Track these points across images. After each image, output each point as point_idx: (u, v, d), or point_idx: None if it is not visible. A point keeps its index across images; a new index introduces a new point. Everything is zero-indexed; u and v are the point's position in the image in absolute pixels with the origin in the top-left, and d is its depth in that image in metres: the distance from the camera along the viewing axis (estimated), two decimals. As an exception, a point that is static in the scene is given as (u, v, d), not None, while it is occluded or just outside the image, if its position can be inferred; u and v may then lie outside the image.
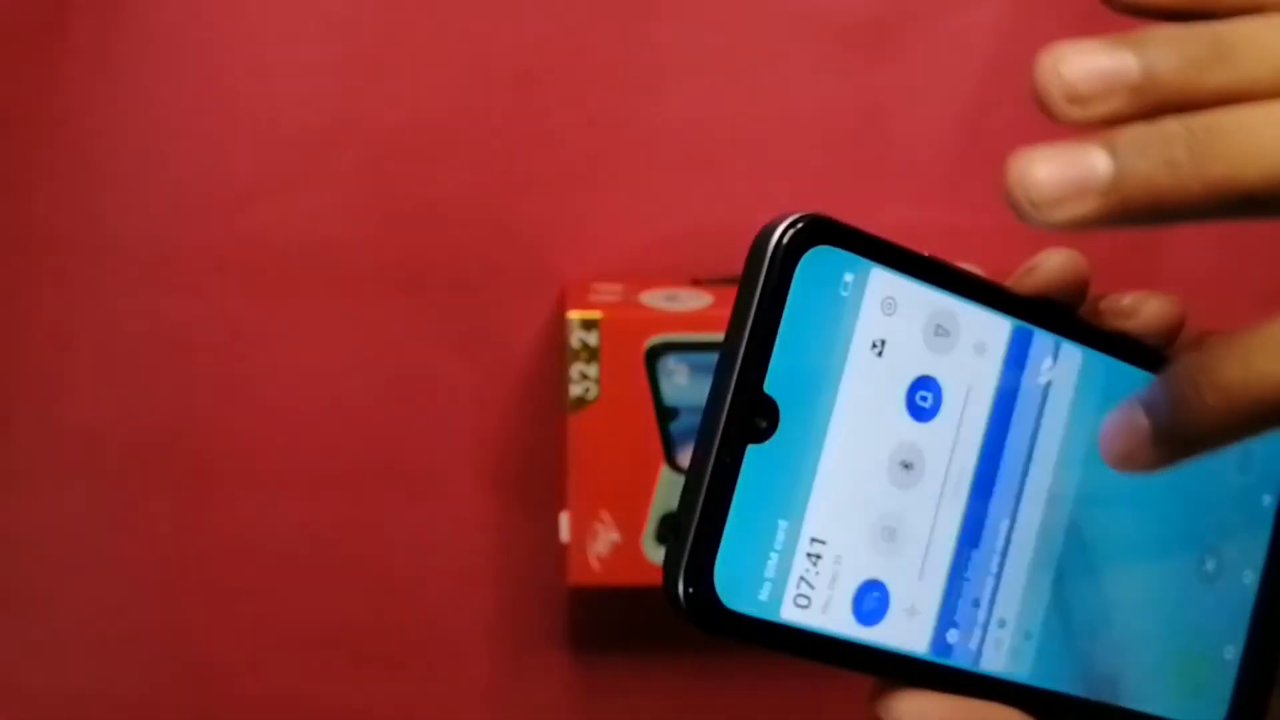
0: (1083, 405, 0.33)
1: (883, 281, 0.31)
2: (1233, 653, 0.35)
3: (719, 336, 0.62)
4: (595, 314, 0.63)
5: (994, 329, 0.32)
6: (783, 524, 0.30)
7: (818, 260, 0.30)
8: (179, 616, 0.71)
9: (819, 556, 0.30)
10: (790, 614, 0.30)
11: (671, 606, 0.30)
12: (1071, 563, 0.33)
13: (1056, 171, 0.26)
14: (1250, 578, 0.35)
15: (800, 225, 0.30)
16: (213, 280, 0.68)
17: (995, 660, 0.32)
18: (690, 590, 0.29)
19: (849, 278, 0.31)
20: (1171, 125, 0.26)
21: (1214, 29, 0.27)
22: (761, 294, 0.30)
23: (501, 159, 0.67)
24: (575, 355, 0.63)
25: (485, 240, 0.68)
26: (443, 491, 0.70)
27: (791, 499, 0.30)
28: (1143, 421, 0.27)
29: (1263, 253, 0.67)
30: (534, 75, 0.66)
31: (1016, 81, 0.66)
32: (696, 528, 0.29)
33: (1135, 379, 0.33)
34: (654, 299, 0.65)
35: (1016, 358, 0.32)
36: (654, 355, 0.63)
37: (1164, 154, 0.26)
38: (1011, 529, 0.32)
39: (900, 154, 0.67)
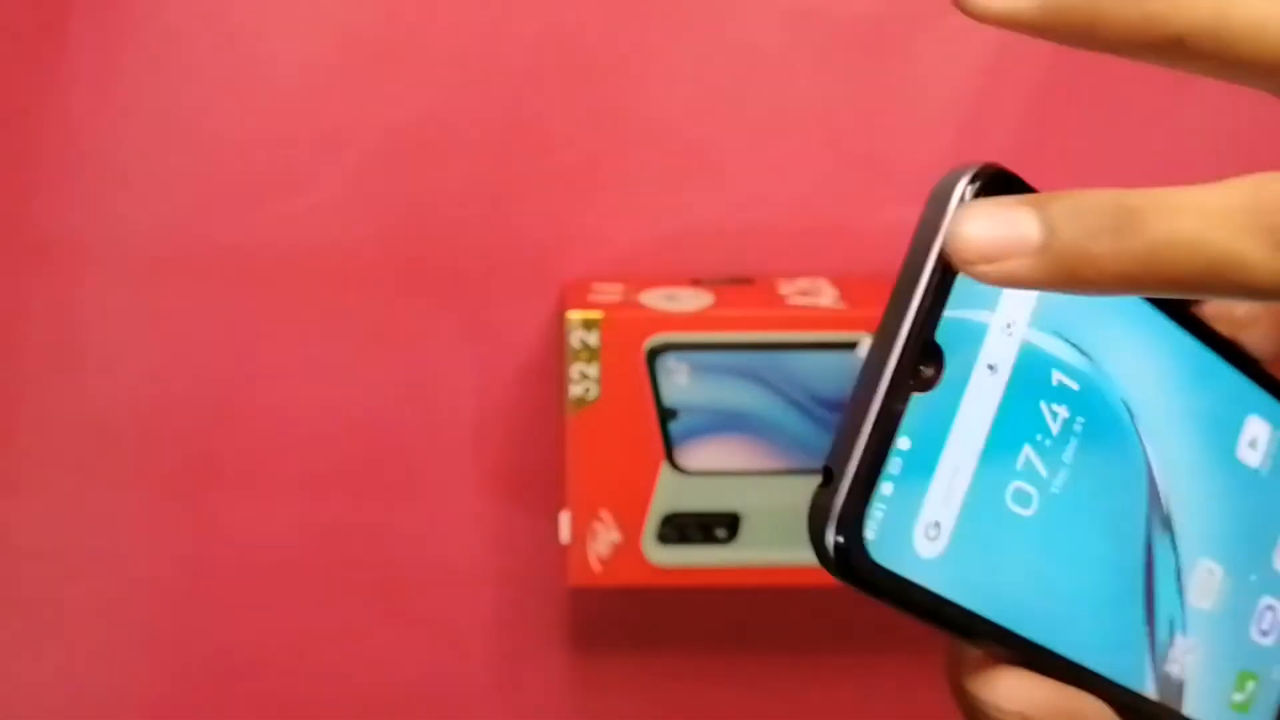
0: (1180, 397, 0.33)
1: None
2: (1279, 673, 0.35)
3: (719, 336, 0.63)
4: (595, 314, 0.63)
5: (1128, 306, 0.32)
6: (929, 482, 0.29)
7: None
8: (179, 616, 0.71)
9: (957, 521, 0.30)
10: (926, 576, 0.30)
11: (817, 555, 0.29)
12: (1164, 564, 0.33)
13: (989, 234, 0.27)
14: None
15: (985, 176, 0.30)
16: (213, 280, 0.68)
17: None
18: (840, 540, 0.28)
19: None
20: (1102, 199, 0.27)
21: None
22: (941, 243, 0.29)
23: (502, 159, 0.67)
24: (575, 355, 0.63)
25: (485, 240, 0.68)
26: (443, 491, 0.70)
27: (939, 457, 0.29)
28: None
29: None
30: (534, 75, 0.66)
31: (1016, 81, 0.67)
32: (853, 475, 0.28)
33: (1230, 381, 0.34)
34: (654, 299, 0.65)
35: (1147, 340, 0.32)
36: (654, 355, 0.63)
37: (1090, 226, 0.26)
38: None
39: (900, 154, 0.67)
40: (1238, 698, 0.35)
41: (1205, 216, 0.26)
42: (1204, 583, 0.34)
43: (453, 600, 0.71)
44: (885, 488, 0.29)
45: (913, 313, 0.29)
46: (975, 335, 0.30)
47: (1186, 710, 0.34)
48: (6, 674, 0.71)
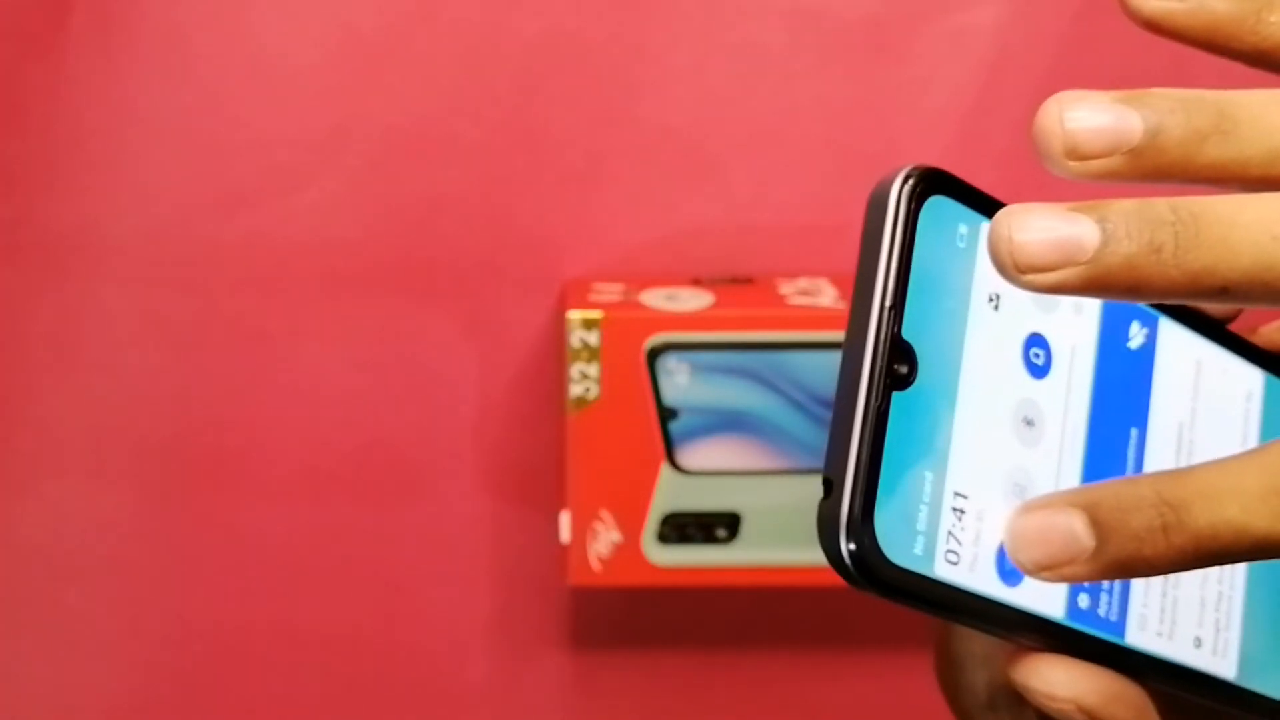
0: (1177, 375, 0.33)
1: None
2: None
3: (719, 336, 0.63)
4: (596, 313, 0.63)
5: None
6: (929, 475, 0.29)
7: (935, 210, 0.30)
8: (179, 616, 0.71)
9: (963, 511, 0.30)
10: (943, 570, 0.29)
11: (835, 568, 0.29)
12: None
13: (1044, 238, 0.26)
14: None
15: (919, 175, 0.30)
16: (213, 280, 0.68)
17: (1126, 629, 0.32)
18: (853, 546, 0.28)
19: (963, 229, 0.30)
20: (1161, 208, 0.26)
21: (1219, 100, 0.27)
22: (891, 240, 0.29)
23: (502, 159, 0.67)
24: (575, 355, 0.63)
25: (486, 240, 0.68)
26: (443, 491, 0.70)
27: (934, 450, 0.29)
28: (1086, 539, 0.27)
29: None
30: (534, 75, 0.66)
31: (1016, 81, 0.67)
32: (853, 480, 0.28)
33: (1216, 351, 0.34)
34: (654, 298, 0.65)
35: (1110, 320, 0.32)
36: (654, 355, 0.63)
37: (1150, 237, 0.26)
38: None
39: (900, 154, 0.67)
40: None
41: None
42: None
43: (453, 600, 0.71)
44: (889, 488, 0.29)
45: (875, 314, 0.29)
46: (950, 321, 0.30)
47: (1243, 681, 0.34)
48: (6, 674, 0.71)
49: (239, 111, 0.66)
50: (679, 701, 0.72)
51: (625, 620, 0.71)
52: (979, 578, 0.30)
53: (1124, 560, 0.27)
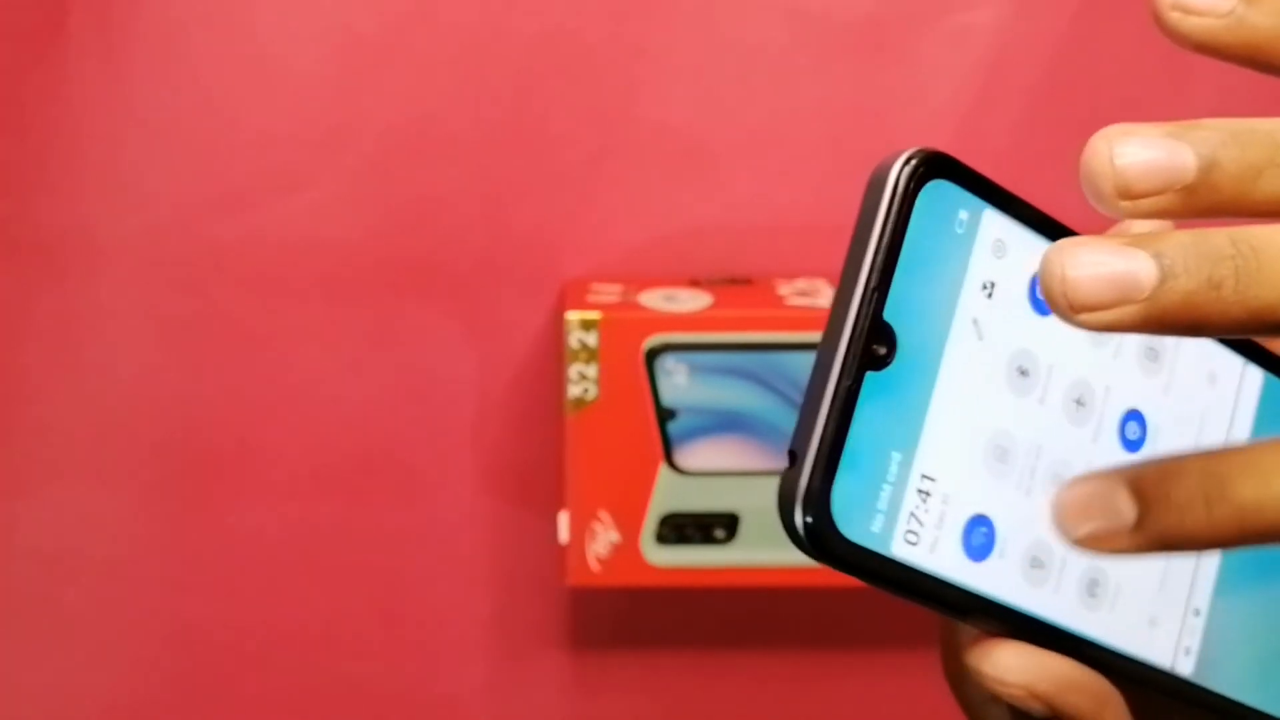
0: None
1: (994, 223, 0.31)
2: None
3: (718, 337, 0.63)
4: (594, 314, 0.63)
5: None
6: (896, 456, 0.30)
7: (935, 194, 0.30)
8: (179, 616, 0.71)
9: (928, 494, 0.30)
10: (901, 550, 0.30)
11: (790, 537, 0.29)
12: None
13: (1099, 274, 0.25)
14: None
15: (921, 158, 0.30)
16: (212, 280, 0.68)
17: (1093, 623, 0.32)
18: (809, 519, 0.29)
19: (964, 215, 0.30)
20: (1219, 241, 0.26)
21: (1273, 131, 0.26)
22: (884, 221, 0.30)
23: (501, 159, 0.67)
24: (574, 355, 0.63)
25: (485, 240, 0.68)
26: (443, 491, 0.70)
27: (905, 431, 0.30)
28: (1128, 511, 0.27)
29: None
30: (533, 75, 0.66)
31: (1016, 81, 0.67)
32: (815, 454, 0.29)
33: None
34: (653, 299, 0.65)
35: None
36: (653, 355, 0.63)
37: (1210, 273, 0.25)
38: None
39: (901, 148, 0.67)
40: (1267, 670, 0.35)
41: None
42: (1233, 553, 0.34)
43: (453, 600, 0.71)
44: (851, 464, 0.29)
45: (859, 294, 0.29)
46: (936, 306, 0.30)
47: (1209, 684, 0.34)
48: (6, 674, 0.71)
49: (238, 112, 0.66)
50: (678, 701, 0.72)
51: (624, 620, 0.71)
52: (940, 560, 0.30)
53: (1165, 533, 0.26)
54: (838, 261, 0.30)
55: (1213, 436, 0.34)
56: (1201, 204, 0.26)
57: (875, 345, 0.29)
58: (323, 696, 0.72)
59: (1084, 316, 0.25)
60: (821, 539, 0.29)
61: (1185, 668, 0.34)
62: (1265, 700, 0.35)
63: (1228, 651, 0.34)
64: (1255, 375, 0.34)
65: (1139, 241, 0.25)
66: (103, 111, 0.66)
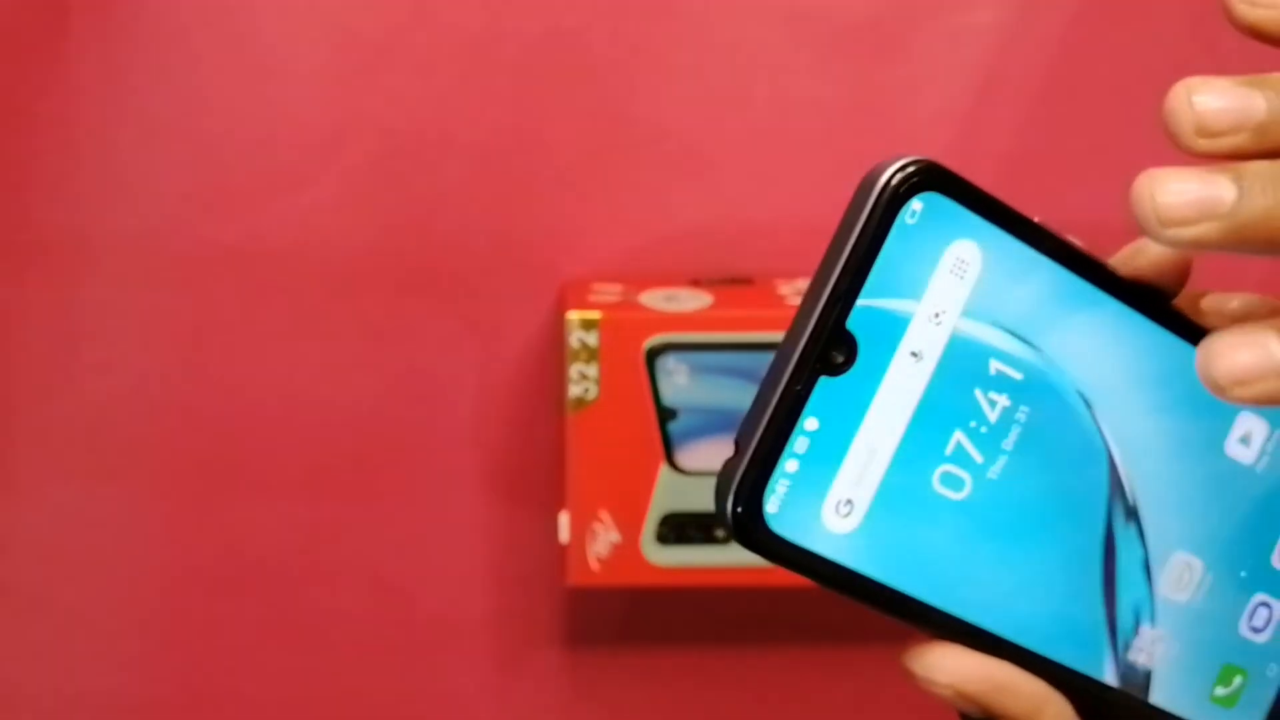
0: (1157, 392, 0.33)
1: (970, 246, 0.31)
2: (1275, 671, 0.35)
3: (718, 337, 0.63)
4: (595, 314, 0.63)
5: (1092, 303, 0.32)
6: (839, 460, 0.30)
7: (925, 206, 0.30)
8: (179, 616, 0.71)
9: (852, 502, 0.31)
10: (826, 546, 0.31)
11: (719, 520, 0.31)
12: (1128, 553, 0.33)
13: (1186, 193, 0.28)
14: None
15: (912, 169, 0.30)
16: (213, 280, 0.68)
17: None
18: (739, 509, 0.30)
19: (949, 231, 0.31)
20: None
21: None
22: (860, 231, 0.30)
23: (501, 159, 0.67)
24: (575, 355, 0.63)
25: (485, 241, 0.68)
26: (442, 491, 0.70)
27: (849, 436, 0.30)
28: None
29: None
30: (533, 76, 0.66)
31: (1016, 81, 0.67)
32: (755, 449, 0.30)
33: None
34: (653, 299, 0.65)
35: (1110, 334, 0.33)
36: (653, 355, 0.63)
37: None
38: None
39: (900, 153, 0.67)
40: (1220, 691, 0.35)
41: None
42: (1179, 575, 0.34)
43: (452, 600, 0.71)
44: (790, 464, 0.30)
45: (824, 300, 0.30)
46: (895, 324, 0.30)
47: (1155, 699, 0.34)
48: (6, 674, 0.71)
49: (239, 113, 0.67)
50: (677, 701, 0.72)
51: (624, 620, 0.71)
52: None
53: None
54: (825, 249, 0.30)
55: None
56: (1272, 142, 0.28)
57: (833, 351, 0.30)
58: (322, 696, 0.72)
59: (1171, 232, 0.28)
60: (748, 529, 0.30)
61: (1131, 681, 0.34)
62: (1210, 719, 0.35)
63: (1180, 668, 0.34)
64: None
65: (1220, 169, 0.28)
66: (102, 111, 0.66)
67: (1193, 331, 0.33)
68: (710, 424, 0.64)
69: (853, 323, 0.30)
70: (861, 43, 0.67)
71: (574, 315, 0.63)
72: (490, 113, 0.67)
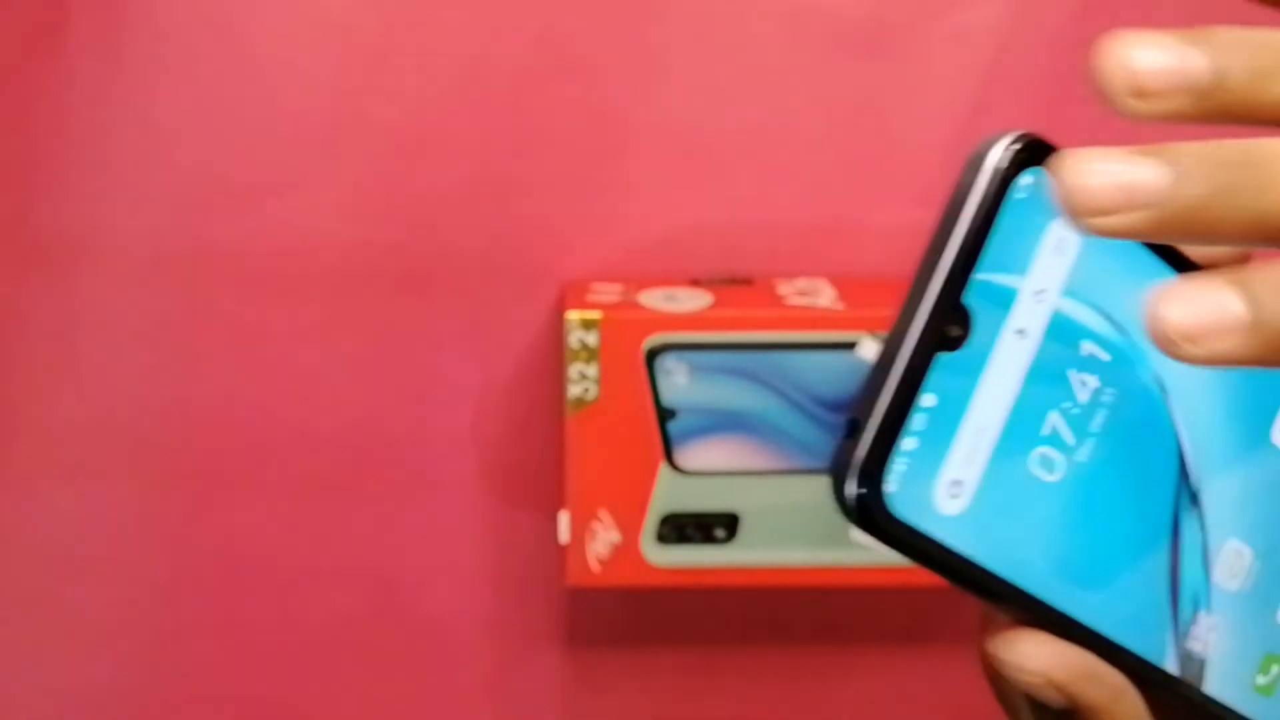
0: (1214, 378, 0.33)
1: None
2: None
3: (718, 337, 0.63)
4: (594, 314, 0.63)
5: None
6: (957, 436, 0.30)
7: (1032, 181, 0.30)
8: (179, 616, 0.71)
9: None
10: (945, 532, 0.30)
11: (838, 506, 0.30)
12: (1190, 540, 0.34)
13: (1109, 175, 0.25)
14: None
15: (1023, 144, 0.30)
16: (212, 280, 0.68)
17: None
18: (862, 491, 0.29)
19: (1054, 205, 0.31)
20: (1233, 149, 0.26)
21: None
22: (978, 205, 0.30)
23: (501, 159, 0.67)
24: (574, 355, 0.63)
25: (485, 240, 0.68)
26: (442, 492, 0.70)
27: (960, 414, 0.30)
28: (1238, 307, 0.25)
29: None
30: (534, 75, 0.66)
31: (1016, 81, 0.67)
32: (877, 429, 0.29)
33: None
34: (653, 299, 0.65)
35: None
36: (653, 355, 0.63)
37: (1225, 179, 0.25)
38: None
39: (899, 154, 0.67)
40: (1261, 680, 0.35)
41: None
42: (1231, 563, 0.34)
43: (452, 600, 0.71)
44: (908, 442, 0.29)
45: (943, 274, 0.30)
46: (1004, 299, 0.30)
47: (1206, 689, 0.34)
48: (6, 674, 0.71)
49: (236, 113, 0.66)
50: (677, 702, 0.72)
51: (624, 621, 0.71)
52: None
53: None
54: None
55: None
56: (1213, 107, 0.26)
57: (949, 327, 0.30)
58: (322, 696, 0.72)
59: (1095, 221, 0.25)
60: (871, 512, 0.29)
61: (1174, 668, 0.34)
62: (1255, 710, 0.35)
63: (1241, 661, 0.35)
64: None
65: (1151, 150, 0.25)
66: (101, 110, 0.66)
67: None
68: (710, 424, 0.64)
69: (968, 297, 0.30)
70: (862, 42, 0.66)
71: (574, 315, 0.63)
72: (489, 112, 0.67)
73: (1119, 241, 0.31)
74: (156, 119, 0.67)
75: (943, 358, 0.30)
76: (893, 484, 0.30)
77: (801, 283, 0.67)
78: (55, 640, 0.71)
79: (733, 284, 0.67)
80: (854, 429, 0.29)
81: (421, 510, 0.70)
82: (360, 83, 0.66)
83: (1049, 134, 0.30)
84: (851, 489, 0.29)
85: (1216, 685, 0.34)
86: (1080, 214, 0.25)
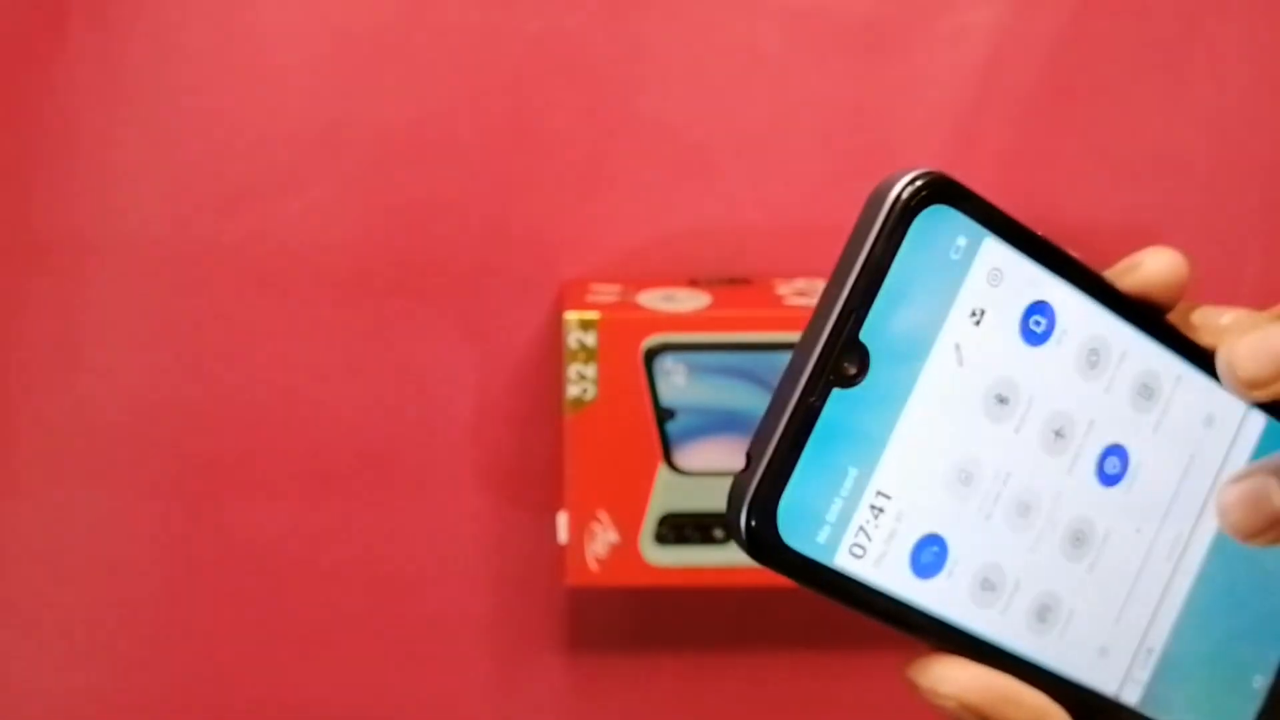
0: (1172, 417, 0.34)
1: (993, 252, 0.31)
2: (1261, 682, 0.36)
3: (717, 337, 0.63)
4: (593, 314, 0.63)
5: (1093, 321, 0.32)
6: (853, 471, 0.30)
7: (934, 219, 0.30)
8: (179, 617, 0.71)
9: (881, 510, 0.31)
10: (843, 561, 0.31)
11: (730, 534, 0.31)
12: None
13: (1263, 354, 0.30)
14: None
15: (923, 181, 0.30)
16: (212, 280, 0.68)
17: (1034, 644, 0.33)
18: (752, 522, 0.30)
19: (961, 241, 0.31)
20: None
21: None
22: (873, 243, 0.30)
23: (501, 159, 0.67)
24: (573, 355, 0.63)
25: (484, 240, 0.68)
26: (441, 492, 0.70)
27: (867, 448, 0.30)
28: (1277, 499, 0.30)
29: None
30: (534, 75, 0.66)
31: (1014, 81, 0.67)
32: (768, 461, 0.30)
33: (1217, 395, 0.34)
34: (652, 299, 0.65)
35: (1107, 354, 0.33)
36: (651, 355, 0.63)
37: None
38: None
39: (898, 154, 0.67)
40: (1211, 705, 0.35)
41: None
42: (1189, 596, 0.34)
43: (452, 600, 0.71)
44: (804, 476, 0.30)
45: (836, 311, 0.30)
46: (909, 335, 0.30)
47: (1151, 712, 0.34)
48: (6, 674, 0.72)
49: (237, 113, 0.67)
50: (676, 701, 0.72)
51: (623, 620, 0.71)
52: (885, 574, 0.31)
53: None
54: (836, 261, 0.30)
55: (1201, 477, 0.34)
56: None
57: (846, 364, 0.30)
58: (322, 696, 0.72)
59: (1256, 393, 0.30)
60: (762, 543, 0.30)
61: (1131, 697, 0.34)
62: None
63: (1179, 685, 0.35)
64: (1257, 420, 0.34)
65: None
66: (101, 112, 0.66)
67: (1185, 346, 0.33)
68: (709, 424, 0.64)
69: (865, 334, 0.30)
70: (860, 43, 0.66)
71: (572, 315, 0.63)
72: (489, 112, 0.67)
73: (1030, 274, 0.32)
74: (156, 120, 0.67)
75: (839, 393, 0.30)
76: (787, 516, 0.30)
77: (800, 283, 0.67)
78: (55, 639, 0.71)
79: (731, 284, 0.67)
80: (749, 462, 0.30)
81: (421, 510, 0.70)
82: (360, 83, 0.66)
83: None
84: (743, 520, 0.30)
85: (1164, 711, 0.35)
86: (1241, 388, 0.30)
